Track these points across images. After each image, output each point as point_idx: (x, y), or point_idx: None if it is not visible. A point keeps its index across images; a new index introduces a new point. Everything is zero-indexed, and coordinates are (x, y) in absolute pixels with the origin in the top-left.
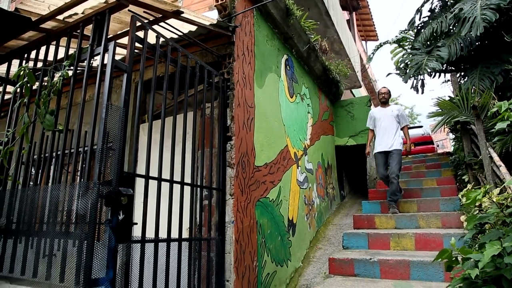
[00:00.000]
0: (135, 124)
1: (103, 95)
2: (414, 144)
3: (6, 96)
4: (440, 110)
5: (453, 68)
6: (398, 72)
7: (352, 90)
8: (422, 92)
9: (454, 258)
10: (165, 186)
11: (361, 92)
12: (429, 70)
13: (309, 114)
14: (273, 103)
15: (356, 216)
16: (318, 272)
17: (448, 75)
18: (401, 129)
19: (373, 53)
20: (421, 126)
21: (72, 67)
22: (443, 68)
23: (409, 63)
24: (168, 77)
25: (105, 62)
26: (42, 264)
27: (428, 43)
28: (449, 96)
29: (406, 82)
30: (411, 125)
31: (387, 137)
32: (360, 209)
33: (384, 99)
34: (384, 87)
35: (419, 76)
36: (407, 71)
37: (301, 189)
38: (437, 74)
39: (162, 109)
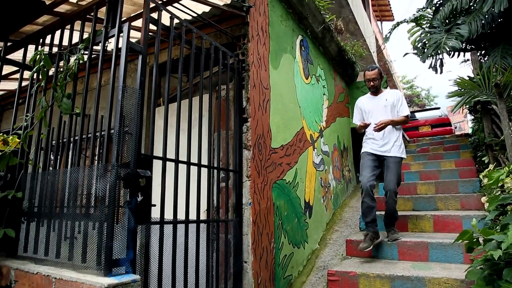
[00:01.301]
0: (151, 107)
1: (118, 79)
2: (431, 126)
3: (24, 83)
4: (460, 90)
5: (474, 47)
6: (415, 52)
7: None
8: (441, 72)
9: (475, 240)
10: (182, 169)
11: None
12: (448, 49)
13: (324, 96)
14: (289, 84)
15: None
16: (335, 254)
17: (468, 54)
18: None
19: (389, 33)
20: (438, 108)
21: (87, 51)
22: (463, 47)
23: (427, 42)
24: (183, 59)
25: (119, 45)
26: (64, 245)
27: (447, 21)
28: (468, 76)
29: (424, 61)
30: (428, 107)
31: (381, 137)
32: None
33: (373, 87)
34: (372, 68)
35: (438, 55)
36: (425, 50)
37: (317, 171)
38: (457, 53)
39: (178, 91)
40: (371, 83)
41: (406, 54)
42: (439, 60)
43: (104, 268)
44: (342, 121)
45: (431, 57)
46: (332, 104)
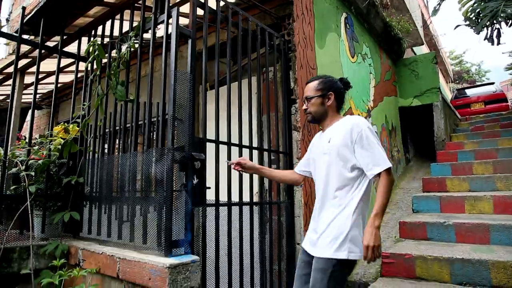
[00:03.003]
0: (202, 91)
1: (169, 64)
2: (485, 102)
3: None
4: None
5: None
6: (467, 23)
7: (413, 48)
8: (498, 43)
9: None
10: (233, 151)
11: (423, 49)
12: (506, 17)
13: (371, 75)
14: (335, 64)
15: (425, 179)
16: (387, 236)
17: None
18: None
19: (439, 4)
20: (492, 83)
21: (137, 38)
22: None
23: (481, 12)
24: (230, 41)
25: (169, 30)
26: (125, 227)
27: None
28: None
29: (478, 33)
30: (479, 83)
31: (317, 212)
32: (427, 172)
33: (309, 116)
34: (309, 81)
35: (494, 25)
36: (479, 20)
37: None
38: None
39: (228, 74)
40: (305, 106)
41: (458, 26)
42: (496, 30)
43: (164, 249)
44: (389, 100)
45: (485, 28)
46: (379, 83)
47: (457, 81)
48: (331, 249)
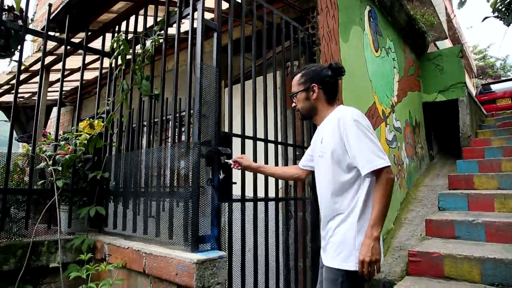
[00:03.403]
0: (229, 84)
1: (195, 58)
2: None
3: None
4: None
5: None
6: (496, 15)
7: (436, 42)
8: None
9: None
10: (259, 146)
11: (446, 44)
12: None
13: (395, 69)
14: (359, 58)
15: (452, 176)
16: (412, 234)
17: None
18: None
19: None
20: None
21: (162, 32)
22: None
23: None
24: (255, 34)
25: (194, 24)
26: (150, 222)
27: None
28: None
29: (508, 25)
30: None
31: (322, 218)
32: (452, 169)
33: (298, 112)
34: (294, 75)
35: None
36: (510, 11)
37: (390, 149)
38: None
39: (253, 68)
40: (294, 103)
41: (486, 18)
42: None
43: (191, 244)
44: (413, 95)
45: None
46: (403, 77)
47: (481, 77)
48: (338, 259)
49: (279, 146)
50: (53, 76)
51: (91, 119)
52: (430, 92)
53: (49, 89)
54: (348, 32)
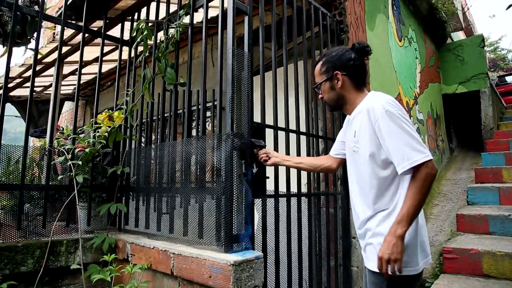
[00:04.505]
0: (261, 72)
1: (226, 43)
2: None
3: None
4: None
5: None
6: None
7: (451, 34)
8: None
9: None
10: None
11: (459, 36)
12: None
13: (417, 60)
14: (384, 47)
15: (478, 169)
16: (440, 229)
17: None
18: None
19: None
20: None
21: (188, 17)
22: None
23: None
24: (286, 19)
25: (224, 6)
26: (177, 220)
27: None
28: None
29: None
30: None
31: (356, 216)
32: (474, 162)
33: (325, 103)
34: (316, 64)
35: None
36: None
37: None
38: None
39: (284, 55)
40: (320, 95)
41: (510, 6)
42: None
43: (224, 244)
44: (434, 87)
45: None
46: (424, 68)
47: (492, 69)
48: (374, 256)
49: (311, 138)
50: (66, 69)
51: (110, 110)
52: (450, 83)
53: (62, 82)
54: (374, 20)
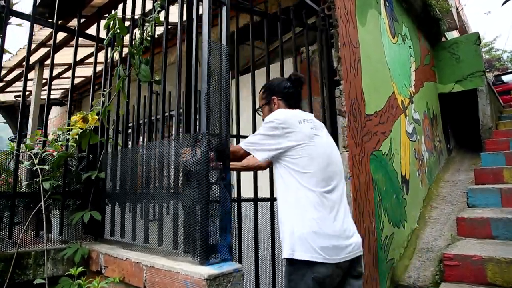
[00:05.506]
0: (236, 71)
1: (202, 35)
2: None
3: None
4: None
5: None
6: None
7: (445, 33)
8: None
9: None
10: None
11: (454, 35)
12: None
13: (411, 58)
14: (377, 43)
15: (478, 170)
16: (439, 234)
17: None
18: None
19: None
20: None
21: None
22: None
23: None
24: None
25: None
26: (152, 229)
27: None
28: None
29: None
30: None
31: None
32: (472, 163)
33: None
34: (260, 91)
35: None
36: None
37: (410, 142)
38: None
39: (266, 54)
40: (260, 115)
41: (506, 2)
42: None
43: (200, 255)
44: (429, 86)
45: None
46: (419, 67)
47: (487, 70)
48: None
49: None
50: (47, 73)
51: (84, 112)
52: (446, 82)
53: (45, 87)
54: (365, 15)
